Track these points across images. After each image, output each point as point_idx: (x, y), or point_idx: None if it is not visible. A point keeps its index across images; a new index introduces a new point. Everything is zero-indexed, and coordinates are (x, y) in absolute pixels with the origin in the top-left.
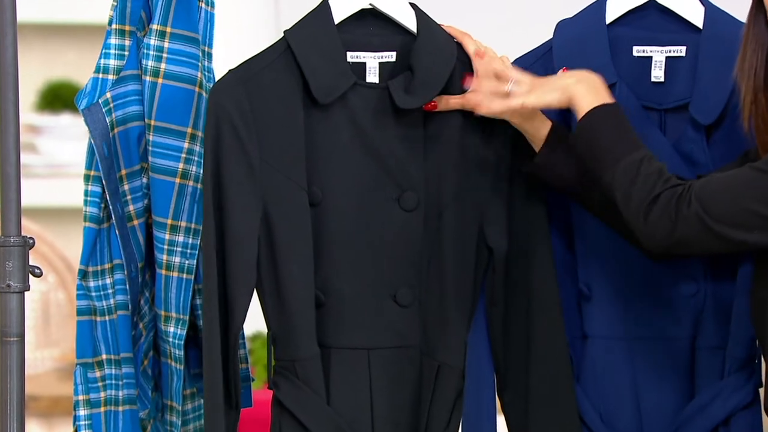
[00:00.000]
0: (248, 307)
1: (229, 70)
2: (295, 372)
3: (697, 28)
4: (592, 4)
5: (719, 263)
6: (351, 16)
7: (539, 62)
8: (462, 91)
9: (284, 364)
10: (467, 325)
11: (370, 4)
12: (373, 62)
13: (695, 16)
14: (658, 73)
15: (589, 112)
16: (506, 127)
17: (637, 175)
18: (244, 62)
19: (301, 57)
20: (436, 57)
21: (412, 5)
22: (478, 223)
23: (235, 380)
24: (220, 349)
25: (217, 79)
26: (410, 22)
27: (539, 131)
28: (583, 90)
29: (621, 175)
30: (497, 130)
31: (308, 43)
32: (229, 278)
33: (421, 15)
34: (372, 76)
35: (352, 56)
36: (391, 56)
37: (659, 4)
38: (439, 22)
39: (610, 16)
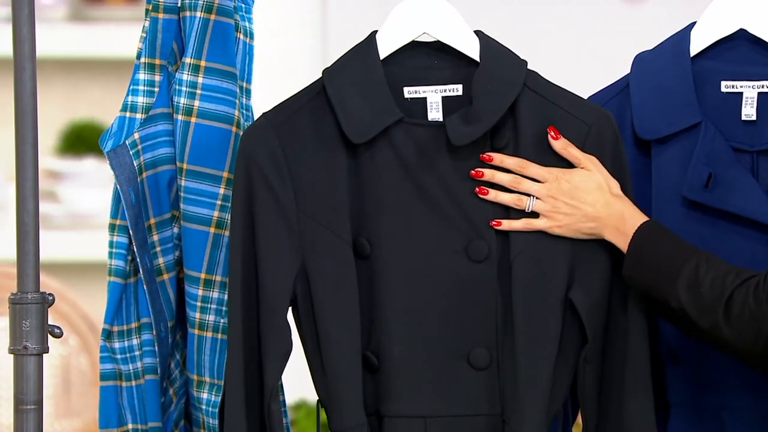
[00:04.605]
0: (281, 374)
1: (262, 114)
2: None
3: None
4: (674, 34)
5: None
6: (408, 48)
7: (615, 99)
8: (533, 126)
9: None
10: (550, 392)
11: (426, 33)
12: (434, 97)
13: None
14: (749, 111)
15: (633, 240)
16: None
17: (700, 285)
18: (277, 105)
19: (334, 94)
20: (495, 85)
21: (478, 32)
22: (565, 275)
23: None
24: (246, 421)
25: (256, 118)
26: (473, 51)
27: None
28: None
29: (685, 295)
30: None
31: (345, 80)
32: (261, 344)
33: (486, 42)
34: (434, 113)
35: (410, 91)
36: (456, 89)
37: (750, 34)
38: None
39: (695, 47)
